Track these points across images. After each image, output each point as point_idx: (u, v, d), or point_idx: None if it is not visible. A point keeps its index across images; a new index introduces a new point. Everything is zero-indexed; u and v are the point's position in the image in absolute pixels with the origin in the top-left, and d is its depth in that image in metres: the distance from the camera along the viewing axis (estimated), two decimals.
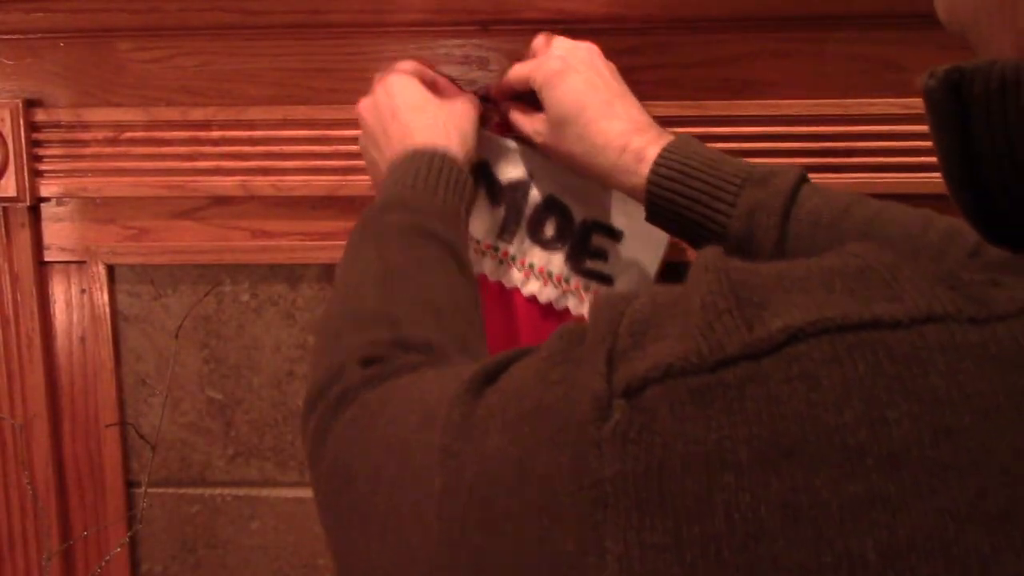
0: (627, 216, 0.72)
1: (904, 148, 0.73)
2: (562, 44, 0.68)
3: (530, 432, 0.33)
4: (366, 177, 0.77)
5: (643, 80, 0.75)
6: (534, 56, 0.70)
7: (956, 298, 0.28)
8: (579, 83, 0.65)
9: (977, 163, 0.33)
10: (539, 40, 0.70)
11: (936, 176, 0.80)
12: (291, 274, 0.81)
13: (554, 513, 0.31)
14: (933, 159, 0.80)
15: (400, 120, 0.66)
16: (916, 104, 0.72)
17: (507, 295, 0.75)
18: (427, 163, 0.63)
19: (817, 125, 0.73)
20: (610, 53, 0.74)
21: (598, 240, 0.73)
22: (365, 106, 0.68)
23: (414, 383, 0.45)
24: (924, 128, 0.82)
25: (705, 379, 0.28)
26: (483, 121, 0.73)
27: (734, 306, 0.30)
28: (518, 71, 0.69)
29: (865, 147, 0.73)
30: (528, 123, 0.69)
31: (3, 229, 0.80)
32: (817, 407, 0.27)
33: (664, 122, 0.75)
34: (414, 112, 0.66)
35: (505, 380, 0.38)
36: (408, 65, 0.71)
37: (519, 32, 0.74)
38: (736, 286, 0.30)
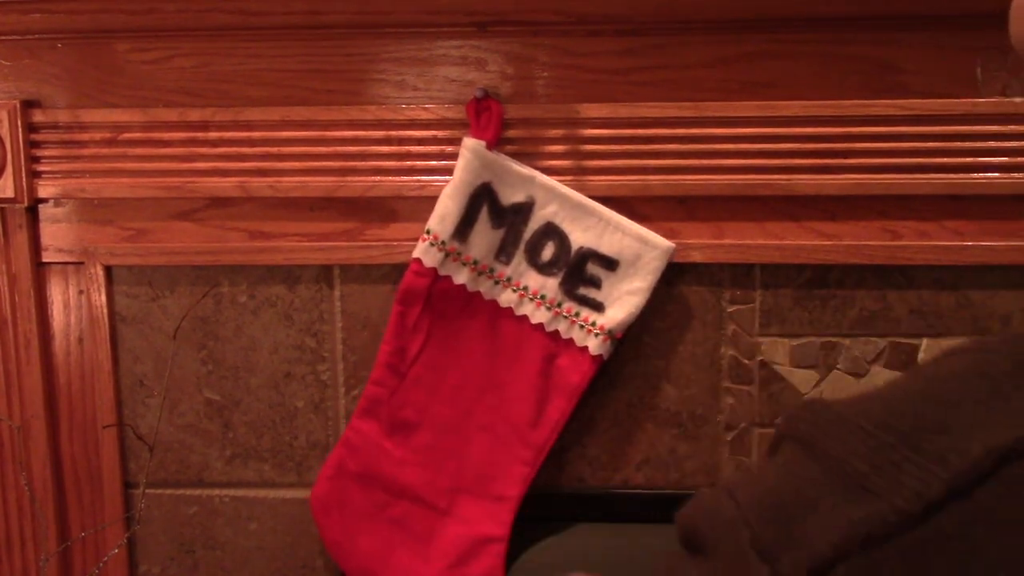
0: (621, 247, 0.74)
1: (901, 149, 0.72)
2: None
3: None
4: (364, 178, 0.77)
5: (641, 81, 0.75)
6: None
7: None
8: None
9: None
10: None
11: (933, 177, 0.80)
12: (289, 275, 0.81)
13: None
14: (930, 160, 0.79)
15: None
16: (913, 106, 0.72)
17: (501, 316, 0.77)
18: None
19: (815, 126, 0.73)
20: (608, 54, 0.74)
21: (593, 268, 0.75)
22: None
23: None
24: (921, 129, 0.82)
25: (916, 535, 0.24)
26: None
27: (903, 446, 0.25)
28: None
29: (862, 148, 0.73)
30: None
31: (1, 230, 0.80)
32: None
33: (662, 123, 0.75)
34: None
35: None
36: None
37: (517, 33, 0.75)
38: (884, 425, 0.26)
